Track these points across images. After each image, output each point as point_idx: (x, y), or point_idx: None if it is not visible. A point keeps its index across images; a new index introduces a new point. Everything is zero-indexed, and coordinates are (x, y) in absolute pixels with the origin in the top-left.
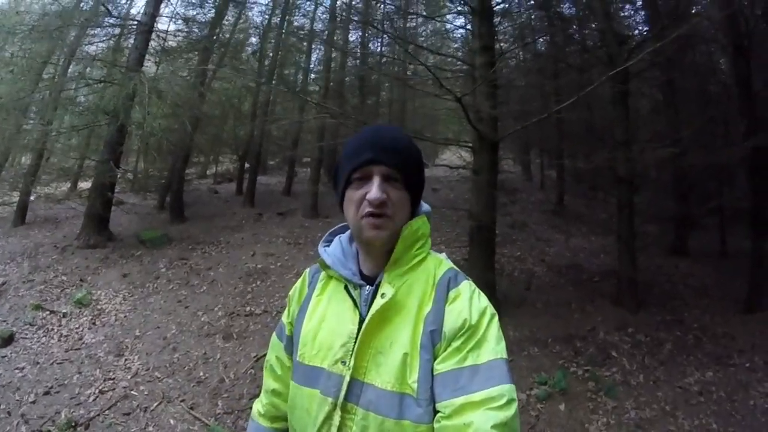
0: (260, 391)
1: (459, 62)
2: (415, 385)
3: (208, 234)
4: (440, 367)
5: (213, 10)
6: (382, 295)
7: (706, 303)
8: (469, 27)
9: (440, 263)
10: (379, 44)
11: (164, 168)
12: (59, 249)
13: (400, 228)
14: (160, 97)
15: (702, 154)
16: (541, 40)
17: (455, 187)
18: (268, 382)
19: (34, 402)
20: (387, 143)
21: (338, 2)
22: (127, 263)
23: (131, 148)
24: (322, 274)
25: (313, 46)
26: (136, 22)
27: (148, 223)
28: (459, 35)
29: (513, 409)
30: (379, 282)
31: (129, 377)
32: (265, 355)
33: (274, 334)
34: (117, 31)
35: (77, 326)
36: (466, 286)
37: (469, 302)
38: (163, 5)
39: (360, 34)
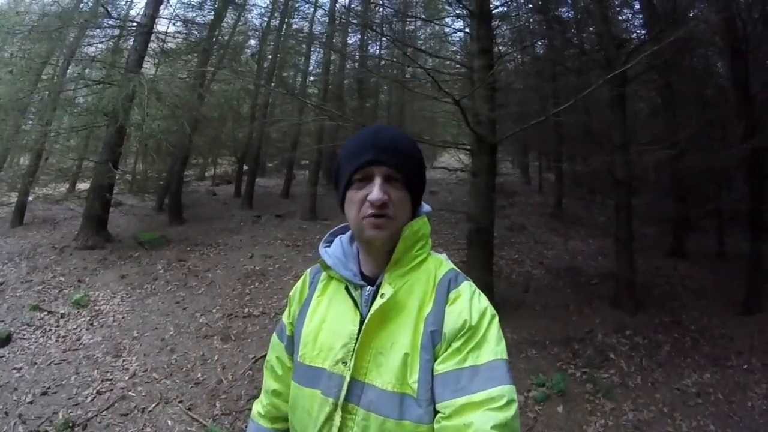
0: (259, 392)
1: (457, 65)
2: (415, 386)
3: (206, 236)
4: (440, 367)
5: (212, 12)
6: (383, 296)
7: (704, 305)
8: (467, 30)
9: (441, 264)
10: (377, 47)
11: (163, 169)
12: (57, 250)
13: (401, 228)
14: (159, 98)
15: (700, 156)
16: (539, 43)
17: (454, 190)
18: (269, 383)
19: (31, 402)
20: (387, 143)
21: (337, 5)
22: (125, 264)
23: (130, 149)
24: (323, 274)
25: (312, 49)
26: (135, 24)
27: (147, 225)
28: (457, 38)
29: (513, 409)
30: (380, 282)
31: (127, 378)
32: (263, 356)
33: (274, 335)
34: (116, 32)
35: (75, 327)
36: (467, 287)
37: (469, 303)
38: (162, 7)
39: (359, 36)
